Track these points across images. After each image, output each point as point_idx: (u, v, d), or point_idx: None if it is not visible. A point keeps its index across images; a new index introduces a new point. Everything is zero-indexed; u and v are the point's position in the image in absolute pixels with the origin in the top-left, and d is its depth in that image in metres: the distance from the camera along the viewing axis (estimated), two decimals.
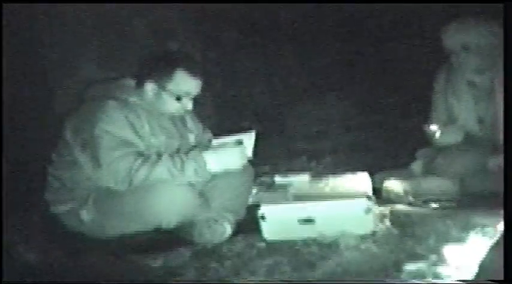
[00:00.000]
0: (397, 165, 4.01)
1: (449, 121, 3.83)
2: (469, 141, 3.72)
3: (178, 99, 3.21)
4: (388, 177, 3.75)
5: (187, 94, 3.23)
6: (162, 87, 3.19)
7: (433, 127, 3.75)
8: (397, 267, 2.73)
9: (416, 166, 3.91)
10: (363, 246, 3.00)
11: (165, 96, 3.20)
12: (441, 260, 2.73)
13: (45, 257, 3.17)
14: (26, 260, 3.16)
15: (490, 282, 1.91)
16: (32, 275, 2.94)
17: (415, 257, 2.81)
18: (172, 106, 3.23)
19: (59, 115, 3.90)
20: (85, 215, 3.18)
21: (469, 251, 2.74)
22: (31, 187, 3.55)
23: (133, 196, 3.06)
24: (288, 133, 5.24)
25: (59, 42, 4.40)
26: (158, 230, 3.15)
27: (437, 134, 3.75)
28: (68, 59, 4.45)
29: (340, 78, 5.36)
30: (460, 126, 3.79)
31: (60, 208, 3.25)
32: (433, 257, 2.77)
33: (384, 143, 4.83)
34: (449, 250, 2.81)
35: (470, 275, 2.32)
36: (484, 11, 3.63)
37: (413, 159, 3.95)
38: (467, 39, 3.56)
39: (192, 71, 3.21)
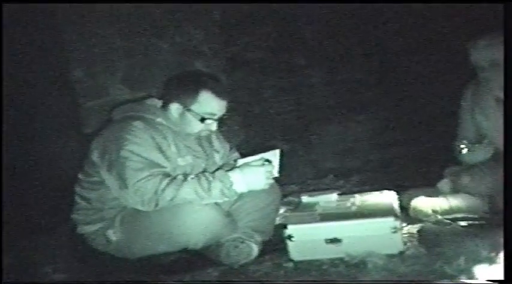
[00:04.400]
0: (425, 183, 3.97)
1: (477, 139, 3.79)
2: (498, 158, 3.67)
3: (203, 120, 3.22)
4: (415, 195, 3.71)
5: (212, 115, 3.24)
6: (186, 108, 3.21)
7: (461, 145, 3.71)
8: None
9: (444, 184, 3.86)
10: (390, 266, 2.97)
11: (189, 116, 3.22)
12: (470, 280, 2.70)
13: (72, 278, 3.19)
14: (53, 280, 3.18)
15: (490, 282, 1.89)
16: None
17: (444, 277, 2.78)
18: (196, 127, 3.25)
19: (85, 135, 3.94)
20: (112, 235, 3.19)
21: (499, 271, 2.70)
22: (58, 207, 3.57)
23: (160, 216, 3.07)
24: (315, 151, 5.22)
25: (86, 62, 4.44)
26: (185, 251, 3.16)
27: (465, 152, 3.72)
28: (95, 79, 4.49)
29: (367, 96, 5.34)
30: (488, 143, 3.74)
31: (87, 229, 3.27)
32: (463, 277, 2.74)
33: (412, 161, 4.81)
34: (479, 270, 2.77)
35: None
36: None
37: (441, 177, 3.91)
38: (496, 55, 3.52)
39: (217, 92, 3.22)
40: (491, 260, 2.85)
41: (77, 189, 3.31)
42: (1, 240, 2.30)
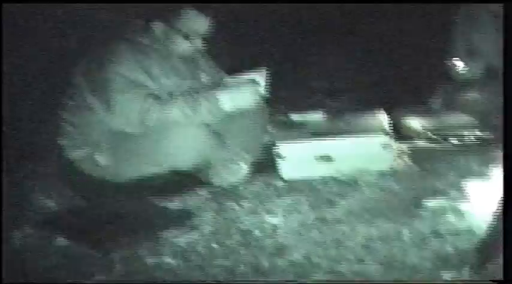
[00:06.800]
0: (417, 101, 3.94)
1: (470, 56, 3.74)
2: (492, 75, 3.63)
3: (187, 37, 3.14)
4: (407, 113, 3.68)
5: (196, 32, 3.16)
6: (170, 26, 3.13)
7: (455, 62, 3.66)
8: (417, 204, 2.71)
9: (437, 102, 3.83)
10: (382, 183, 2.98)
11: (173, 35, 3.14)
12: (462, 196, 2.70)
13: (64, 204, 3.18)
14: (46, 207, 3.17)
15: (490, 282, 1.88)
16: (51, 222, 2.95)
17: (435, 193, 2.78)
18: (181, 45, 3.17)
19: (68, 59, 3.87)
20: (100, 159, 3.15)
21: (489, 186, 2.69)
22: (46, 133, 3.52)
23: (147, 138, 3.03)
24: (304, 71, 5.15)
25: None
26: (175, 172, 3.13)
27: (457, 68, 3.67)
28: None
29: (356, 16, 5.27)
30: (481, 59, 3.70)
31: (75, 154, 3.22)
32: (454, 193, 2.74)
33: (403, 79, 4.75)
34: (470, 186, 2.77)
35: (489, 211, 2.26)
36: None
37: (433, 94, 3.87)
38: None
39: (200, 8, 3.14)
40: (481, 175, 2.85)
41: (63, 114, 3.25)
42: (1, 240, 2.27)
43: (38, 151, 3.73)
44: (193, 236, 2.65)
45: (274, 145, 3.14)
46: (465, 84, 3.70)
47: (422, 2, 4.84)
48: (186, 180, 3.16)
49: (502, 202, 2.06)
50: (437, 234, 2.44)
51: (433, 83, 3.91)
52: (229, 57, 4.49)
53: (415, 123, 3.62)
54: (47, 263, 2.55)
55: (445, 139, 3.51)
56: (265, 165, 3.22)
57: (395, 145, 3.28)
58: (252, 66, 3.27)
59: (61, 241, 2.73)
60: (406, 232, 2.48)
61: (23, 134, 3.96)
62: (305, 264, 2.32)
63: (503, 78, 2.54)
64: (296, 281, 2.13)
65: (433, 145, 3.50)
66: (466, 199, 2.67)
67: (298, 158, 3.10)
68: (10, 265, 2.37)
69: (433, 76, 4.00)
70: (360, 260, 2.31)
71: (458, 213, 2.57)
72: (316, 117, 3.52)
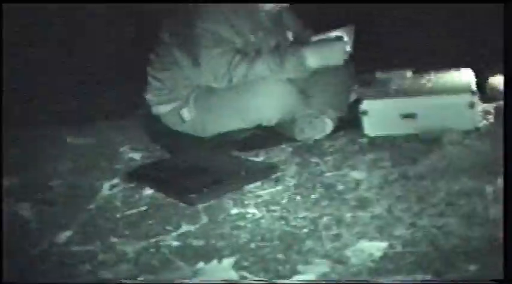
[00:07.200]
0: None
1: None
2: None
3: None
4: (493, 73, 3.62)
5: None
6: None
7: None
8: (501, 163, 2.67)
9: None
10: (466, 142, 2.95)
11: None
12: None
13: (148, 157, 3.26)
14: (131, 159, 3.26)
15: (490, 282, 1.85)
16: (136, 172, 3.03)
17: None
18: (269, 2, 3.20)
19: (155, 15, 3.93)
20: (186, 114, 3.22)
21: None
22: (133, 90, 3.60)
23: (233, 93, 3.09)
24: (391, 29, 5.06)
25: None
26: (259, 127, 3.19)
27: None
28: None
29: None
30: None
31: (162, 109, 3.30)
32: None
33: (489, 38, 4.64)
34: None
35: None
36: None
37: None
38: None
39: None
40: None
41: (150, 70, 3.33)
42: (1, 242, 2.32)
43: (125, 107, 3.83)
44: (277, 188, 2.70)
45: (359, 102, 3.14)
46: None
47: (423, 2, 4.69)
48: (270, 135, 3.20)
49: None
50: None
51: None
52: (316, 14, 4.49)
53: (501, 82, 3.55)
54: (136, 213, 2.64)
55: None
56: (350, 121, 3.23)
57: (481, 104, 3.25)
58: (339, 23, 3.27)
59: (148, 191, 2.82)
60: (489, 190, 2.46)
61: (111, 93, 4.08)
62: (387, 217, 2.33)
63: (504, 79, 2.50)
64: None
65: None
66: None
67: (382, 115, 3.10)
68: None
69: None
70: (442, 215, 2.31)
71: None
72: (401, 75, 3.49)
